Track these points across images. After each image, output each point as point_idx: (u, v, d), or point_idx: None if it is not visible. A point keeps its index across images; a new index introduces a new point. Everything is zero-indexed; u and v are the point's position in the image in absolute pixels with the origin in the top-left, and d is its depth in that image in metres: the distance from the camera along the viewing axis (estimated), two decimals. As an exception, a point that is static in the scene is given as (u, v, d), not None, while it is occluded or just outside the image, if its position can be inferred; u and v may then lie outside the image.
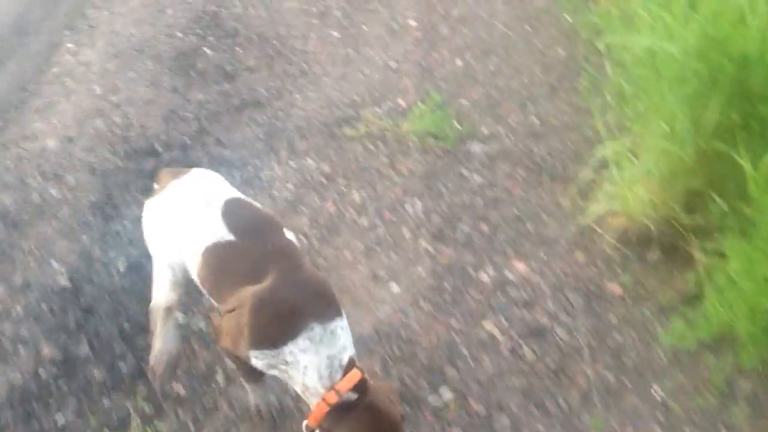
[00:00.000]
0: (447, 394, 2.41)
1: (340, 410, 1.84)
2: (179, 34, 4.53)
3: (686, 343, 2.53)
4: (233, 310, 1.97)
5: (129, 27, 4.53)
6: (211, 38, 4.49)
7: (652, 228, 2.93)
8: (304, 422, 1.94)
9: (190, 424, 2.29)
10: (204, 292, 2.18)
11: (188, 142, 3.62)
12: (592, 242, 3.03)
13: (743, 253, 2.47)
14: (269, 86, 4.12)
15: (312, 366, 1.86)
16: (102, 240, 2.98)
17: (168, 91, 4.01)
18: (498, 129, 3.77)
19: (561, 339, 2.60)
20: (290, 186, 3.37)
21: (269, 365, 1.94)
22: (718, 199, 2.78)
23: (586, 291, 2.80)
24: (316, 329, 1.86)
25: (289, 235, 2.18)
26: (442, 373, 2.48)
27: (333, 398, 1.85)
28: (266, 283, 1.94)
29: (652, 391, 2.43)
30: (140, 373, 2.44)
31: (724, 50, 2.69)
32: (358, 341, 2.49)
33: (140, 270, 2.82)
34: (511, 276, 2.87)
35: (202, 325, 2.67)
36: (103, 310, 2.67)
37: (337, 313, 1.93)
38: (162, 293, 2.33)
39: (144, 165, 3.43)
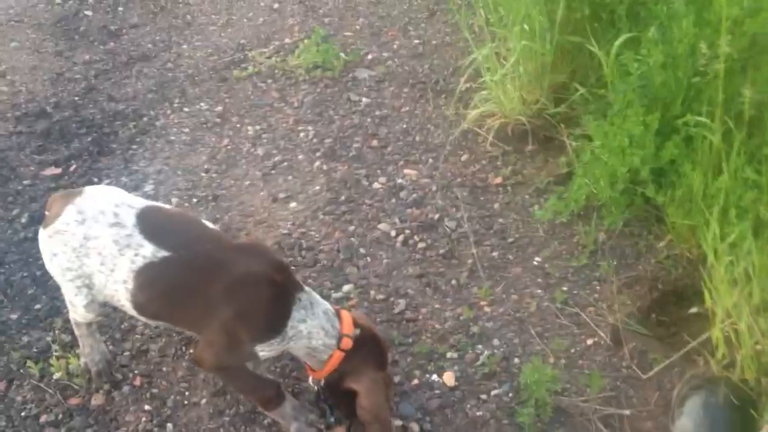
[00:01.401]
0: (349, 289, 2.60)
1: (352, 349, 2.00)
2: (58, 1, 4.50)
3: (560, 216, 2.78)
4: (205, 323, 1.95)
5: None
6: (90, 0, 4.47)
7: (526, 123, 3.17)
8: (309, 378, 2.11)
9: (109, 345, 2.41)
10: (143, 318, 2.09)
11: (78, 100, 3.65)
12: (475, 143, 3.25)
13: (602, 131, 2.72)
14: (155, 40, 4.17)
15: (315, 329, 1.97)
16: (3, 199, 3.03)
17: (53, 56, 4.01)
18: (382, 54, 3.94)
19: (450, 229, 2.83)
20: (186, 130, 3.47)
21: (275, 351, 2.02)
22: (579, 88, 3.04)
23: (471, 186, 3.03)
24: (302, 297, 1.98)
25: (208, 224, 2.16)
26: (343, 272, 2.67)
27: (348, 344, 1.99)
28: (229, 281, 1.91)
29: (533, 261, 2.68)
30: (56, 310, 2.54)
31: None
32: (263, 255, 2.65)
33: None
34: (402, 182, 3.07)
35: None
36: (12, 260, 2.74)
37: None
38: (77, 314, 2.17)
39: (36, 127, 3.46)
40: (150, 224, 1.99)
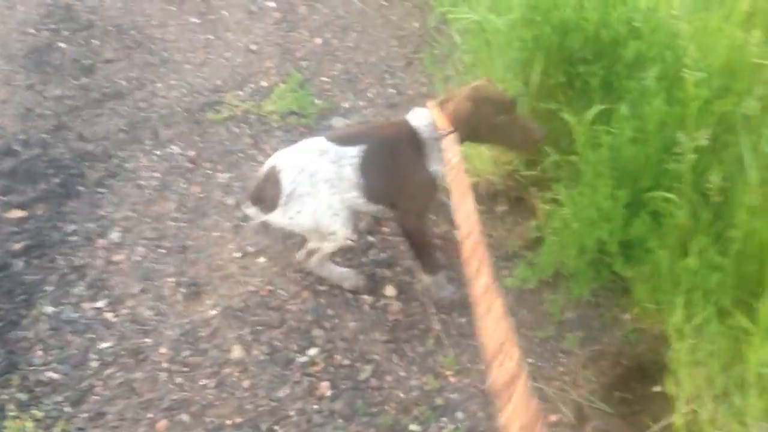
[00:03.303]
0: (315, 353, 2.57)
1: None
2: (32, 31, 4.44)
3: (528, 283, 2.80)
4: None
5: (-23, 26, 4.39)
6: (65, 32, 4.43)
7: (498, 183, 3.19)
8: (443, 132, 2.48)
9: (67, 407, 2.35)
10: (371, 205, 2.65)
11: (48, 138, 3.59)
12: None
13: (572, 200, 2.75)
14: (129, 77, 4.12)
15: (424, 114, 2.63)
16: (-37, 243, 2.96)
17: (23, 89, 3.95)
18: (358, 102, 3.95)
19: (419, 292, 2.82)
20: (156, 174, 3.43)
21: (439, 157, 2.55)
22: (551, 153, 3.07)
23: (440, 246, 3.03)
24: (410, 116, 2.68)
25: None
26: (309, 334, 2.64)
27: (432, 104, 2.63)
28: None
29: (500, 329, 2.67)
30: (13, 365, 2.48)
31: (546, 18, 2.96)
32: (229, 313, 2.63)
33: (5, 268, 2.83)
34: (373, 239, 3.06)
35: (73, 315, 2.71)
36: (-31, 311, 2.68)
37: None
38: (336, 241, 2.63)
39: (2, 165, 3.39)
40: (338, 138, 2.62)
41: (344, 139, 2.62)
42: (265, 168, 2.64)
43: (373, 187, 2.58)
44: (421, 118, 2.62)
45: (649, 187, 2.60)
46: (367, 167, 2.56)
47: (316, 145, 2.60)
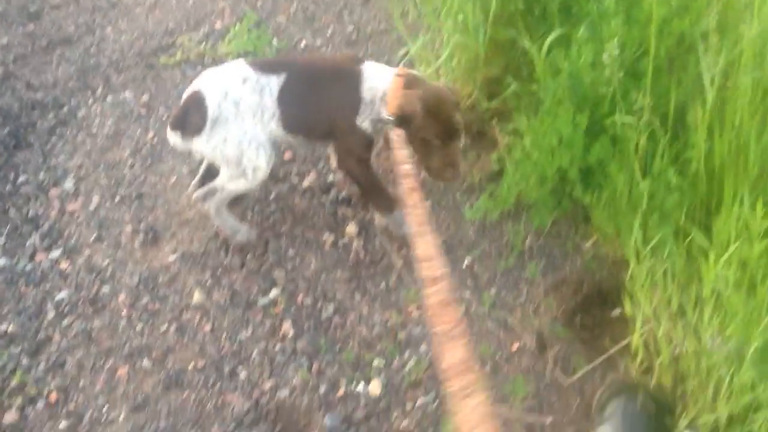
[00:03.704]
0: (276, 294, 2.55)
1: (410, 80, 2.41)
2: (-27, -23, 4.24)
3: (490, 215, 2.78)
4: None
5: None
6: (9, -22, 4.23)
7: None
8: (386, 115, 2.38)
9: (24, 358, 2.32)
10: (290, 136, 2.55)
11: (-6, 88, 3.47)
12: (408, 137, 3.20)
13: (533, 129, 2.70)
14: (78, 22, 3.98)
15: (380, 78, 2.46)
16: None
17: (-33, 38, 3.79)
18: (316, 41, 3.84)
19: (380, 228, 2.79)
20: (109, 121, 3.33)
21: (373, 120, 2.47)
22: (512, 83, 3.02)
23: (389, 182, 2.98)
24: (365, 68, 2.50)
25: None
26: (270, 276, 2.61)
27: (403, 71, 2.45)
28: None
29: (463, 263, 2.66)
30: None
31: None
32: (189, 258, 2.59)
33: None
34: (332, 178, 3.01)
35: (28, 267, 2.66)
36: None
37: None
38: (256, 177, 2.52)
39: (-52, 117, 3.27)
40: (261, 66, 2.51)
41: (266, 67, 2.52)
42: (188, 91, 2.52)
43: (289, 115, 2.50)
44: (378, 77, 2.49)
45: (608, 112, 2.56)
46: (285, 95, 2.48)
47: (239, 70, 2.51)
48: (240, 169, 2.51)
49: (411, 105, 2.36)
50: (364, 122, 2.51)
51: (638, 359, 2.19)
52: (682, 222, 2.26)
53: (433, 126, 2.39)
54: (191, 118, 2.45)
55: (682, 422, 2.02)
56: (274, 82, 2.47)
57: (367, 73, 2.50)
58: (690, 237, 2.17)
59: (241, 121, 2.45)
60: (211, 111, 2.42)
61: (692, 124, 2.35)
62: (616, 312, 2.40)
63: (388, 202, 2.64)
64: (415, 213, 2.06)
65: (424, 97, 2.38)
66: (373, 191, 2.64)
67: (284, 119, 2.49)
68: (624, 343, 2.24)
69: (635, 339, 2.17)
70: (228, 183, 2.56)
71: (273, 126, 2.50)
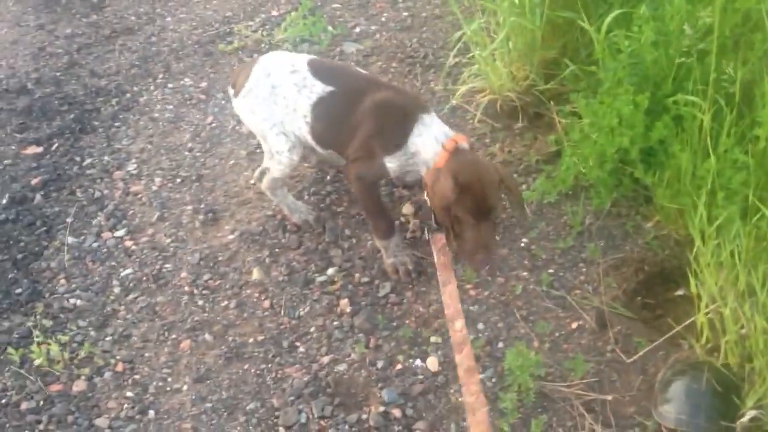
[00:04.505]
0: (333, 272, 2.57)
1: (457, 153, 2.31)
2: (39, -29, 4.39)
3: (548, 196, 2.75)
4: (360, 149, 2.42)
5: (-16, -31, 4.36)
6: (73, -30, 4.37)
7: (515, 99, 3.12)
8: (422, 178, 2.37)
9: (92, 331, 2.39)
10: (319, 147, 2.55)
11: (60, 76, 3.58)
12: (464, 119, 3.20)
13: (592, 110, 2.67)
14: (139, 12, 4.08)
15: (429, 140, 2.36)
16: (-17, 180, 2.99)
17: (34, 29, 3.93)
18: (370, 27, 3.86)
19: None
20: (170, 107, 3.41)
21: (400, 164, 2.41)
22: (570, 64, 2.98)
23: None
24: (425, 118, 2.39)
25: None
26: (328, 254, 2.64)
27: (451, 144, 2.32)
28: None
29: (520, 242, 2.64)
30: (37, 294, 2.52)
31: None
32: (248, 238, 2.64)
33: (24, 202, 2.86)
34: (388, 161, 3.02)
35: (95, 245, 2.74)
36: (-8, 244, 2.72)
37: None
38: (282, 163, 2.56)
39: (17, 104, 3.40)
40: (317, 68, 2.51)
41: (321, 71, 2.51)
42: (256, 57, 2.67)
43: (318, 126, 2.50)
44: (429, 137, 2.37)
45: (671, 92, 2.51)
46: (320, 107, 2.47)
47: (296, 61, 2.56)
48: (268, 149, 2.59)
49: (445, 194, 2.24)
50: (391, 162, 2.43)
51: (703, 338, 2.14)
52: (749, 200, 2.20)
53: (468, 203, 2.25)
54: (238, 80, 2.59)
55: (749, 401, 1.97)
56: (317, 89, 2.47)
57: (422, 127, 2.39)
58: (758, 215, 2.10)
59: (272, 104, 2.51)
60: (250, 81, 2.53)
61: (759, 101, 2.28)
62: (679, 292, 2.35)
63: (386, 229, 2.52)
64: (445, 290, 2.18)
65: (462, 176, 2.25)
66: (374, 215, 2.53)
67: (313, 129, 2.51)
68: (688, 322, 2.19)
69: (700, 318, 2.12)
70: (267, 162, 2.63)
71: (303, 129, 2.52)
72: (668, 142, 2.46)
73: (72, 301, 2.53)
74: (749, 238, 2.16)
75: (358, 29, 3.83)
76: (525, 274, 2.53)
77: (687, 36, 2.31)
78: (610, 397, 2.14)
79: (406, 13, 3.93)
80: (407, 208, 2.78)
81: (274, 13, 3.99)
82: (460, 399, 2.16)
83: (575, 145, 2.74)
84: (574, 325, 2.35)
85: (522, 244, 2.64)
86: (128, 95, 3.48)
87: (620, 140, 2.53)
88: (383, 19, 3.90)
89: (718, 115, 2.35)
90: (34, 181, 2.98)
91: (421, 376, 2.23)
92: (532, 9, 3.01)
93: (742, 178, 2.25)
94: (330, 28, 3.82)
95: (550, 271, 2.53)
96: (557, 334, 2.33)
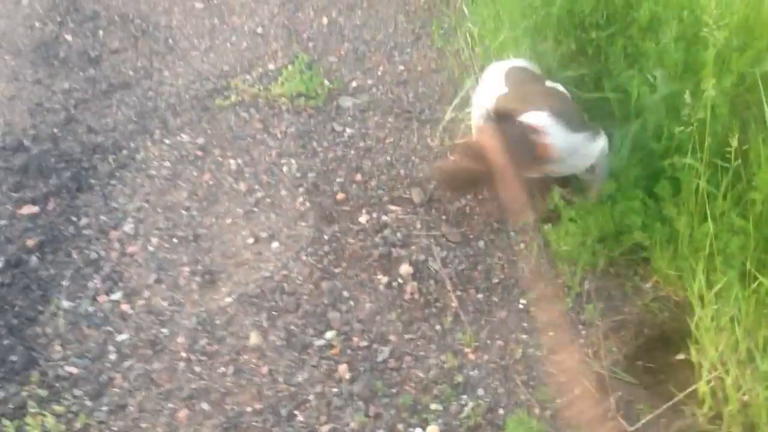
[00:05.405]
0: (331, 336, 2.55)
1: None
2: (38, 24, 4.42)
3: (546, 256, 2.75)
4: None
5: (-17, 23, 4.39)
6: (71, 24, 4.40)
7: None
8: None
9: (87, 401, 2.36)
10: None
11: (57, 132, 3.59)
12: (460, 177, 3.20)
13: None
14: (136, 66, 4.10)
15: None
16: (-22, 241, 2.97)
17: (31, 84, 3.94)
18: (367, 81, 3.89)
19: (435, 270, 2.78)
20: (167, 163, 3.41)
21: None
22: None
23: (455, 222, 2.99)
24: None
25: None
26: (325, 317, 2.62)
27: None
28: None
29: (518, 304, 2.64)
30: (32, 362, 2.49)
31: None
32: (245, 300, 2.62)
33: (19, 265, 2.84)
34: (386, 219, 3.02)
35: (90, 309, 2.72)
36: (-13, 308, 2.69)
37: None
38: None
39: (14, 161, 3.39)
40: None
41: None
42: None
43: None
44: None
45: (666, 153, 2.53)
46: None
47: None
48: None
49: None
50: None
51: (705, 407, 2.13)
52: (747, 265, 2.20)
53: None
54: None
55: (753, 475, 1.95)
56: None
57: None
58: (758, 281, 2.11)
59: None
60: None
61: (755, 164, 2.30)
62: (680, 356, 2.34)
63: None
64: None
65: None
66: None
67: None
68: (690, 389, 2.18)
69: (702, 386, 2.12)
70: None
71: None
72: (664, 206, 2.48)
73: (67, 368, 2.49)
74: (748, 303, 2.16)
75: (354, 83, 3.86)
76: (524, 337, 2.52)
77: (686, 105, 2.33)
78: (613, 469, 2.11)
79: (401, 67, 3.97)
80: (405, 268, 2.78)
81: (271, 66, 4.02)
82: (461, 471, 2.13)
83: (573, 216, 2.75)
84: (576, 391, 2.33)
85: (521, 306, 2.63)
86: (125, 152, 3.48)
87: (617, 212, 2.54)
88: (379, 73, 3.93)
89: (713, 179, 2.37)
90: (29, 243, 2.96)
91: (421, 447, 2.20)
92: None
93: (739, 243, 2.26)
94: (326, 82, 3.85)
95: (550, 333, 2.51)
96: (558, 401, 2.31)
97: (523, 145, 2.45)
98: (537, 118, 2.49)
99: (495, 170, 2.42)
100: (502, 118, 2.54)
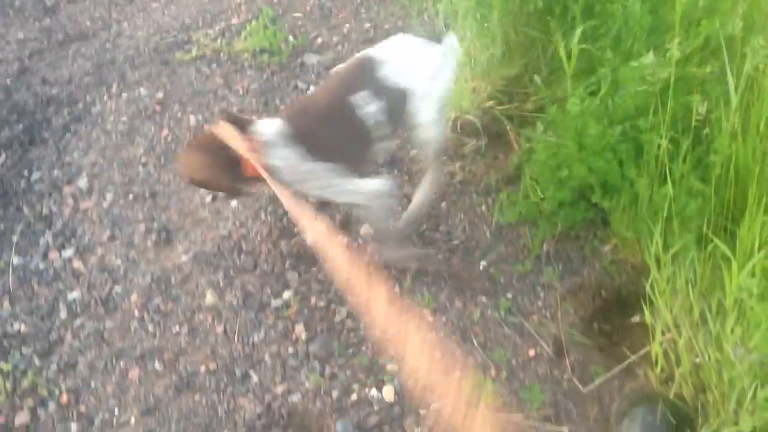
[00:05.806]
0: (289, 296, 2.52)
1: None
2: (-10, -29, 4.24)
3: (508, 218, 2.73)
4: None
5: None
6: (25, -28, 4.23)
7: (476, 118, 3.09)
8: None
9: (36, 359, 2.31)
10: None
11: (10, 84, 3.46)
12: (424, 137, 3.15)
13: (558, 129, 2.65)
14: (94, 17, 3.96)
15: None
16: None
17: (-17, 34, 3.79)
18: (332, 38, 3.80)
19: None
20: (124, 118, 3.31)
21: None
22: (536, 78, 2.94)
23: (419, 182, 2.94)
24: None
25: None
26: (283, 277, 2.58)
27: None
28: None
29: (479, 265, 2.62)
30: (-22, 319, 2.42)
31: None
32: (202, 259, 2.57)
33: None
34: (348, 178, 2.97)
35: (41, 265, 2.65)
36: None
37: None
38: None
39: (-37, 113, 3.27)
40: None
41: None
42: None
43: None
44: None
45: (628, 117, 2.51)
46: None
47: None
48: None
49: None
50: None
51: (658, 368, 2.14)
52: (704, 229, 2.20)
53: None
54: None
55: (702, 434, 1.97)
56: None
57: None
58: (713, 244, 2.11)
59: None
60: None
61: (715, 128, 2.29)
62: (636, 318, 2.35)
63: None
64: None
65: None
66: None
67: None
68: (643, 351, 2.20)
69: (655, 347, 2.13)
70: None
71: None
72: (626, 168, 2.46)
73: (16, 326, 2.44)
74: (704, 267, 2.17)
75: (319, 40, 3.77)
76: (483, 299, 2.51)
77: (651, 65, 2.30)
78: (566, 429, 2.13)
79: (368, 24, 3.88)
80: (366, 229, 2.74)
81: (234, 21, 3.91)
82: (416, 430, 2.13)
83: (535, 170, 2.72)
84: (532, 353, 2.34)
85: (481, 267, 2.62)
86: (80, 105, 3.38)
87: (581, 169, 2.51)
88: (345, 30, 3.84)
89: (675, 141, 2.35)
90: (-21, 197, 2.87)
91: (376, 407, 2.19)
92: (494, 26, 2.99)
93: (697, 206, 2.25)
94: (291, 38, 3.76)
95: (509, 295, 2.51)
96: (514, 362, 2.31)
97: (227, 160, 2.21)
98: (265, 128, 2.26)
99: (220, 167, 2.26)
100: (236, 121, 2.26)
